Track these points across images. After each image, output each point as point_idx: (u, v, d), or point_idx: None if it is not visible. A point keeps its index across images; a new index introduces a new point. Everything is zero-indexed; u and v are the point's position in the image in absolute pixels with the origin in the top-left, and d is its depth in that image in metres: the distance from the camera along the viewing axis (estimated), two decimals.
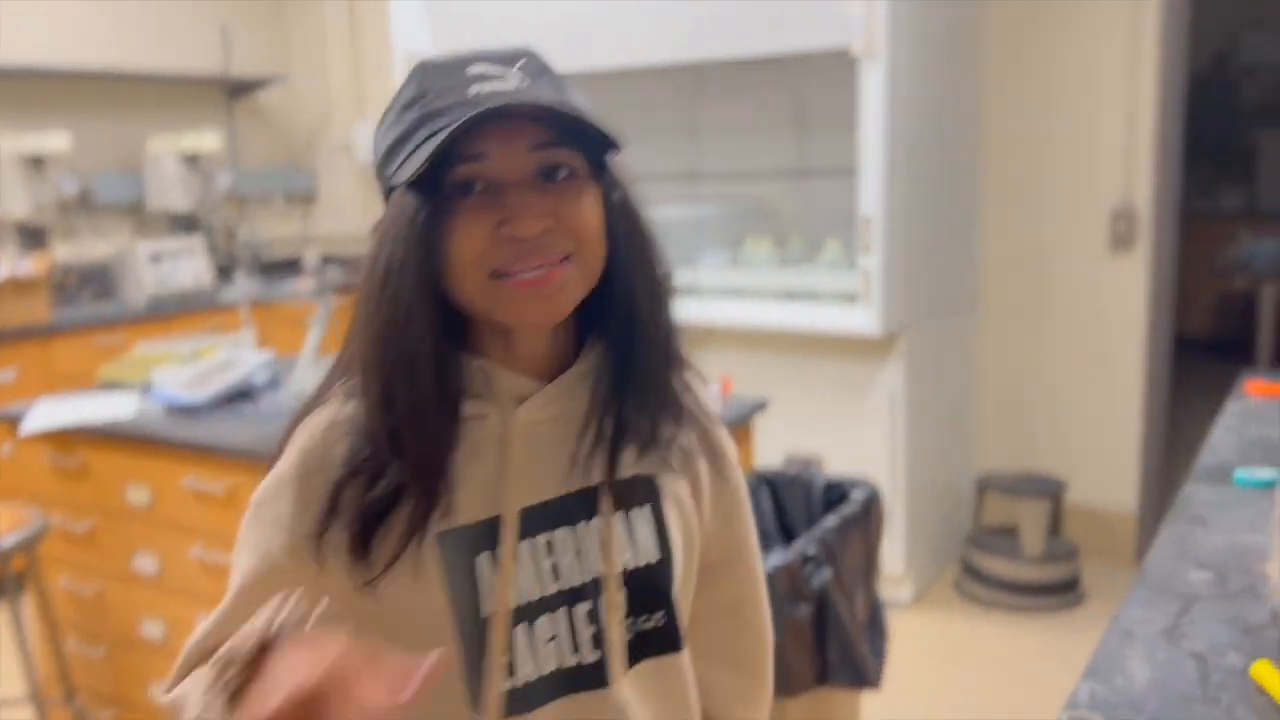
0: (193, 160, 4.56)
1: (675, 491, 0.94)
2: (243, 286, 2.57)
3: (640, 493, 0.91)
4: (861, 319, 3.09)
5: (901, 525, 3.29)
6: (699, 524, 0.97)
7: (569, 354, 0.91)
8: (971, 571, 3.45)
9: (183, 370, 2.56)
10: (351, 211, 5.44)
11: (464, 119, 0.77)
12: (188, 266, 4.30)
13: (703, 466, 0.97)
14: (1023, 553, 3.36)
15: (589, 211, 0.84)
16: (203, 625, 0.90)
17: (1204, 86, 5.89)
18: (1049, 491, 3.39)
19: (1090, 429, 3.61)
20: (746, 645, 1.05)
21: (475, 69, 0.82)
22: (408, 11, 3.84)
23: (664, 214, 4.30)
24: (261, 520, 0.90)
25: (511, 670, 0.86)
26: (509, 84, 0.82)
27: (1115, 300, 3.52)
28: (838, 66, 3.13)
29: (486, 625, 0.86)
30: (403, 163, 0.82)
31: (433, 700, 0.76)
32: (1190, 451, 4.34)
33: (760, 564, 1.06)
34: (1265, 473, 1.61)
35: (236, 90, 5.07)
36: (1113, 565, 3.60)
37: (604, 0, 3.43)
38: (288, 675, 0.68)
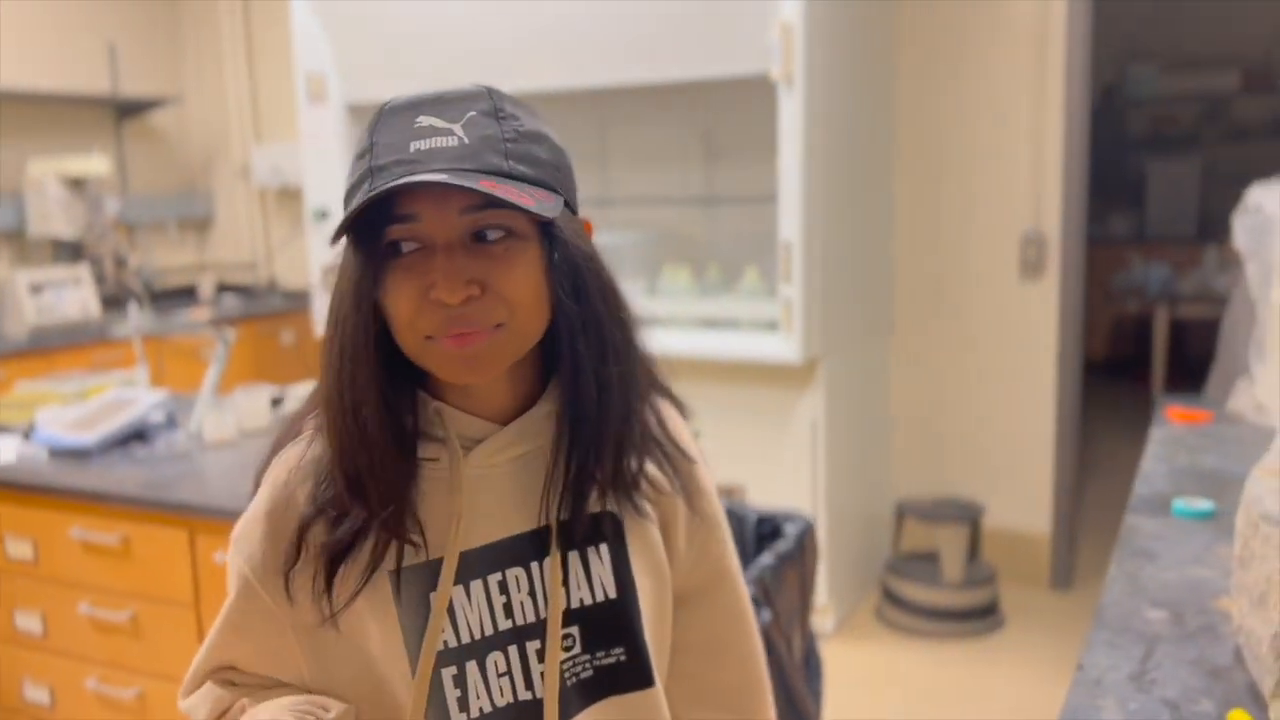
0: (78, 184, 4.33)
1: (642, 527, 0.95)
2: (135, 319, 2.41)
3: (602, 530, 0.93)
4: (782, 347, 3.06)
5: (823, 554, 3.26)
6: (671, 559, 0.97)
7: (533, 394, 0.92)
8: (892, 599, 3.44)
9: (69, 410, 2.39)
10: (250, 238, 5.24)
11: (373, 193, 0.78)
12: (73, 297, 4.07)
13: (676, 501, 0.97)
14: (943, 578, 3.36)
15: (522, 276, 0.83)
16: (200, 652, 0.95)
17: (1094, 117, 6.10)
18: (968, 516, 3.40)
19: (1004, 452, 3.65)
20: (729, 682, 1.02)
21: (423, 121, 0.82)
22: (308, 32, 3.71)
23: None
24: (240, 554, 0.92)
25: (465, 705, 0.88)
26: (450, 141, 0.81)
27: (1026, 325, 3.57)
28: (749, 93, 3.11)
29: (439, 662, 0.88)
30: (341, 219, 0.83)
31: None
32: (1096, 471, 4.44)
33: (744, 597, 1.04)
34: (1203, 504, 1.61)
35: (125, 111, 4.85)
36: (1029, 587, 3.64)
37: (513, 24, 3.35)
38: None
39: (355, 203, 0.79)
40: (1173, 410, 2.22)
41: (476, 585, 0.89)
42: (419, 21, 3.49)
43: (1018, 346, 3.59)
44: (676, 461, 0.97)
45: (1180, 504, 1.62)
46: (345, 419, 0.84)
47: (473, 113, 0.83)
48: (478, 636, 0.89)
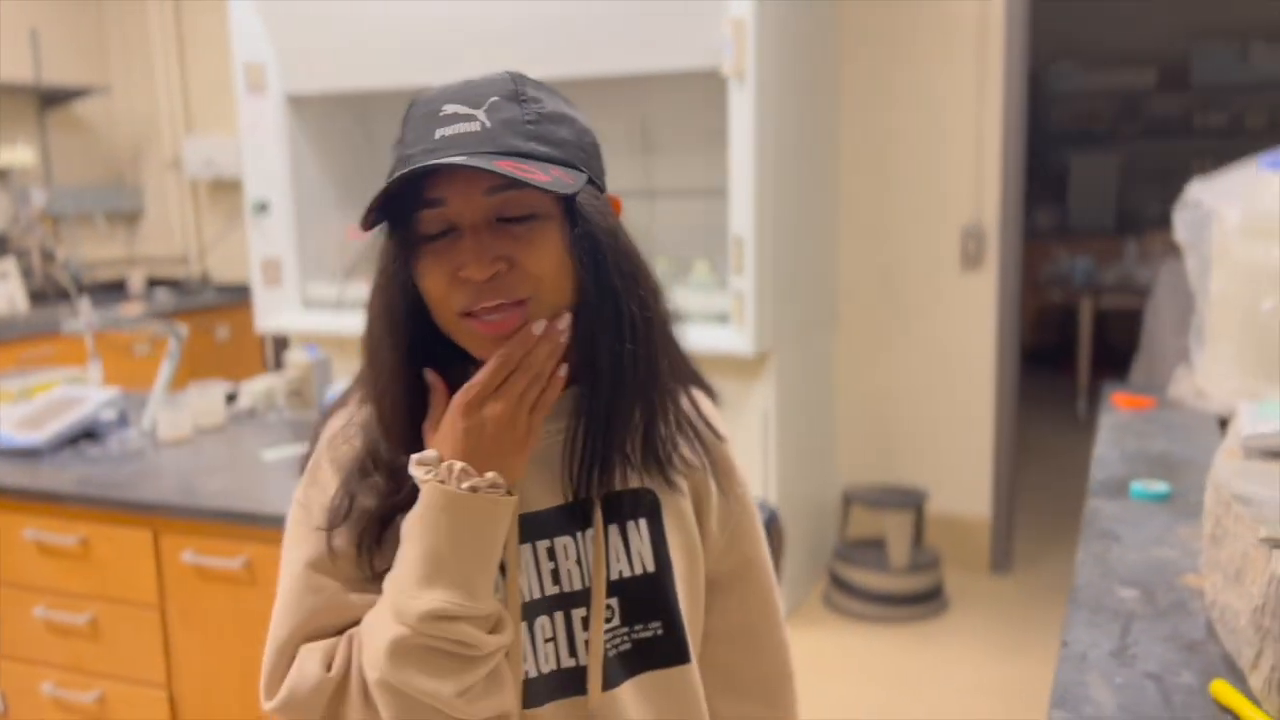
0: (2, 175, 4.18)
1: (677, 505, 0.98)
2: (87, 315, 2.35)
3: (640, 505, 0.95)
4: (735, 339, 3.10)
5: None
6: (704, 539, 1.00)
7: (571, 366, 0.93)
8: (840, 584, 3.51)
9: (14, 408, 2.32)
10: (182, 231, 5.12)
11: (396, 177, 0.82)
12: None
13: (707, 481, 1.00)
14: (889, 564, 3.44)
15: (546, 252, 0.86)
16: (274, 630, 0.92)
17: None
18: (912, 503, 3.48)
19: (946, 440, 3.74)
20: (762, 670, 1.05)
21: (448, 109, 0.86)
22: (246, 21, 3.64)
23: None
24: (308, 511, 0.93)
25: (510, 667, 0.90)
26: (473, 126, 0.84)
27: (966, 316, 3.66)
28: (686, 86, 3.13)
29: None
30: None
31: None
32: (1027, 457, 4.57)
33: (774, 585, 1.07)
34: (1159, 486, 1.68)
35: (49, 100, 4.70)
36: (971, 571, 3.74)
37: (456, 14, 3.33)
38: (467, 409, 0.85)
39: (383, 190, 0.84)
40: (1119, 397, 2.31)
41: (526, 549, 0.92)
42: (359, 11, 3.45)
43: (958, 337, 3.68)
44: (707, 441, 1.00)
45: (1138, 486, 1.68)
46: (376, 389, 0.91)
47: (495, 98, 0.86)
48: (528, 599, 0.91)
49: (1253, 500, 1.13)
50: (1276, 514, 1.09)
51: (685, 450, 0.97)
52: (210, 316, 4.63)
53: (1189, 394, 2.25)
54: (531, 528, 0.92)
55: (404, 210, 0.85)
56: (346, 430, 0.93)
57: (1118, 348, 6.05)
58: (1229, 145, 6.36)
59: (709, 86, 3.08)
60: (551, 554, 0.92)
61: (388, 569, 0.88)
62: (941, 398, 3.73)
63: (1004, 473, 3.74)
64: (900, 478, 3.77)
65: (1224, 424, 2.04)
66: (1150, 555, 1.44)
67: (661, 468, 0.96)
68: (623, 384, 0.90)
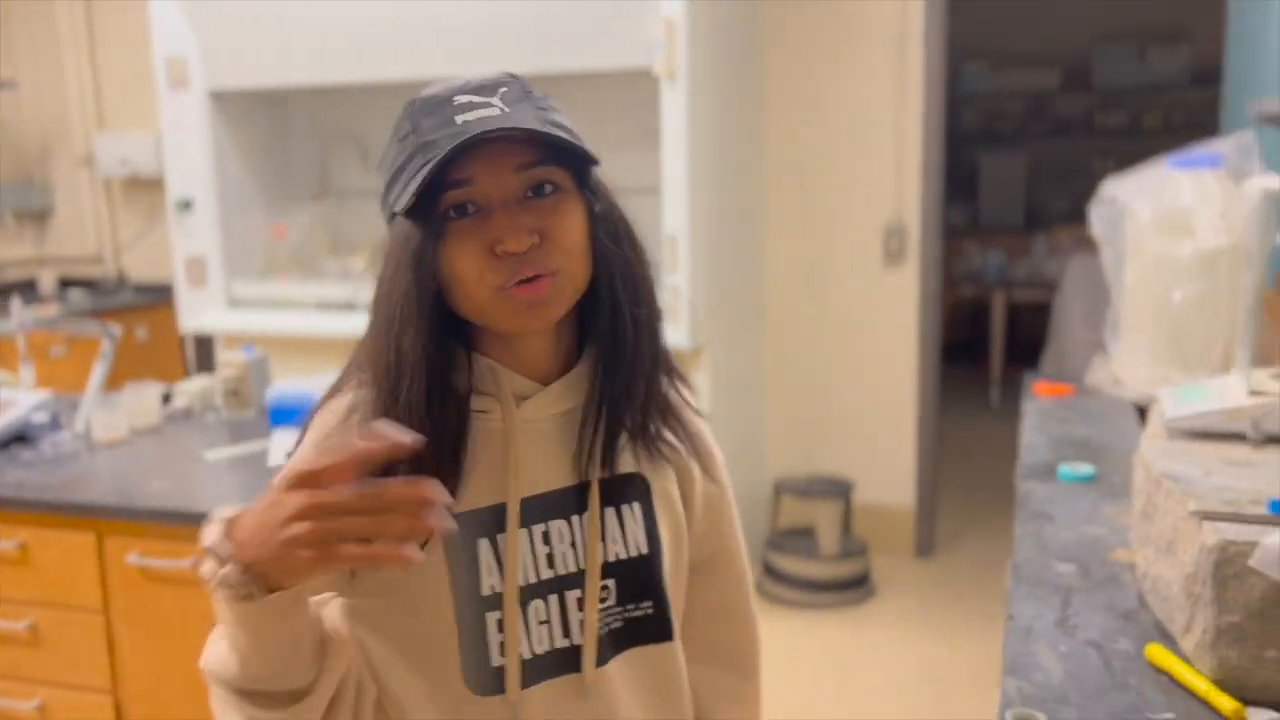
0: None
1: (666, 490, 1.02)
2: (18, 315, 2.30)
3: (633, 490, 0.99)
4: (670, 334, 3.13)
5: None
6: (688, 522, 1.04)
7: (569, 357, 0.98)
8: (772, 573, 3.59)
9: None
10: (96, 230, 4.98)
11: (450, 148, 0.84)
12: None
13: (693, 467, 1.04)
14: (819, 552, 3.53)
15: (573, 225, 0.90)
16: None
17: None
18: (840, 492, 3.58)
19: (871, 431, 3.85)
20: (736, 643, 1.12)
21: (460, 99, 0.88)
22: (168, 15, 3.57)
23: None
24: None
25: (506, 650, 0.93)
26: (492, 110, 0.87)
27: (889, 311, 3.77)
28: (627, 86, 3.17)
29: (485, 605, 0.92)
30: (400, 193, 0.88)
31: (428, 677, 0.92)
32: (947, 445, 4.71)
33: (746, 564, 1.12)
34: (1085, 468, 1.77)
35: None
36: (896, 557, 3.86)
37: (385, 10, 3.32)
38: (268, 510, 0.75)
39: (419, 175, 0.84)
40: (1040, 386, 2.41)
41: (521, 534, 0.94)
42: (284, 7, 3.41)
43: (881, 331, 3.79)
44: (689, 425, 1.04)
45: (1066, 469, 1.78)
46: (391, 378, 0.89)
47: (504, 89, 0.90)
48: (522, 584, 0.93)
49: (1180, 478, 1.22)
50: (1203, 489, 1.18)
51: (668, 434, 1.01)
52: (128, 317, 4.51)
53: (1106, 382, 2.37)
54: (530, 512, 0.94)
55: (422, 195, 0.86)
56: (346, 422, 0.93)
57: (1028, 340, 6.28)
58: (1128, 144, 6.68)
59: (641, 86, 3.13)
60: (547, 538, 0.95)
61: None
62: (866, 390, 3.84)
63: (926, 462, 3.86)
64: (828, 468, 3.87)
65: (1140, 410, 2.15)
66: (1082, 533, 1.53)
67: (649, 449, 0.99)
68: (638, 356, 0.94)
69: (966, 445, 5.22)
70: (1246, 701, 1.01)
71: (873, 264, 3.76)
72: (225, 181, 3.73)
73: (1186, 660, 1.10)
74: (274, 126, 3.97)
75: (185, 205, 3.67)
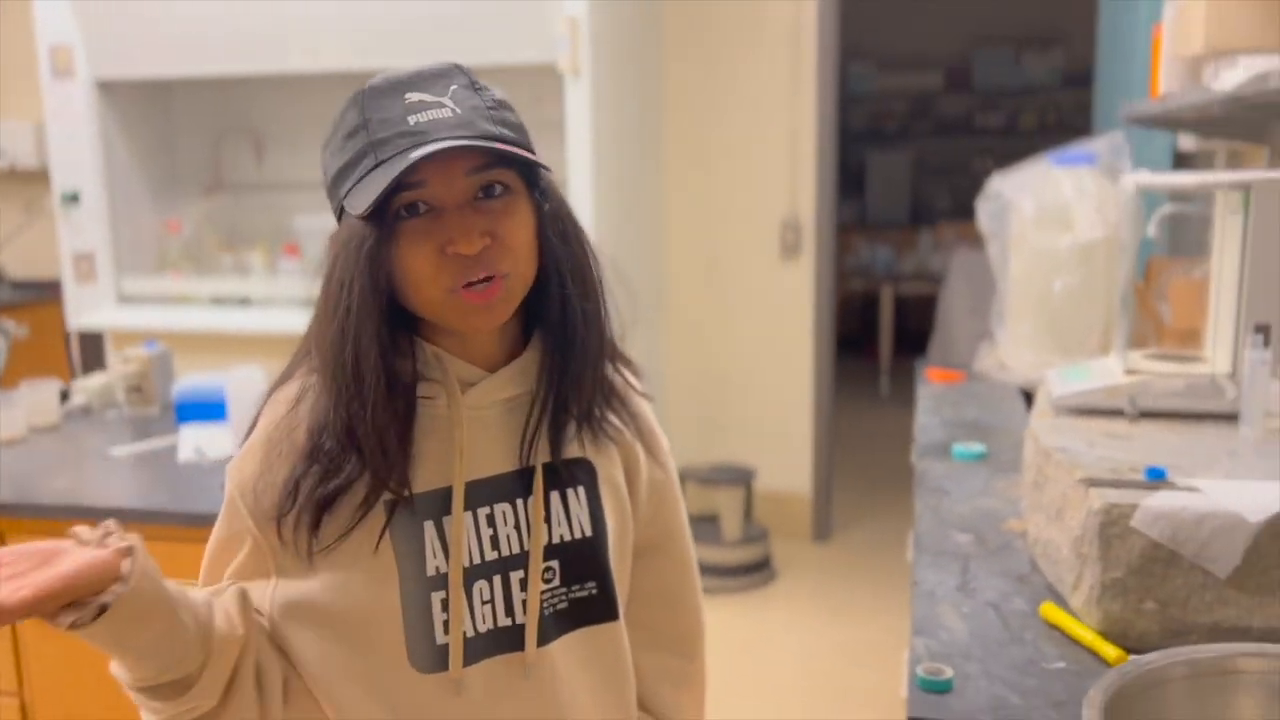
0: None
1: (611, 474, 1.05)
2: None
3: (578, 474, 1.02)
4: None
5: None
6: (633, 506, 1.06)
7: (516, 346, 1.01)
8: None
9: None
10: None
11: (409, 162, 0.85)
12: None
13: (638, 451, 1.07)
14: (722, 538, 3.63)
15: (522, 226, 0.93)
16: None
17: None
18: (742, 480, 3.68)
19: (770, 419, 3.97)
20: (680, 627, 1.14)
21: (412, 96, 0.90)
22: (52, 2, 3.45)
23: (320, 224, 4.08)
24: (231, 481, 0.98)
25: (449, 628, 0.95)
26: (445, 113, 0.90)
27: (786, 303, 3.89)
28: (531, 81, 3.21)
29: (430, 585, 0.95)
30: (351, 189, 0.90)
31: (371, 657, 0.95)
32: (840, 433, 4.87)
33: (691, 549, 1.16)
34: (976, 447, 1.88)
35: None
36: (795, 541, 3.98)
37: (280, 1, 3.28)
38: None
39: (378, 174, 0.87)
40: (932, 372, 2.54)
41: (466, 516, 0.97)
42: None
43: (779, 323, 3.90)
44: (633, 407, 1.07)
45: (959, 448, 1.89)
46: (346, 373, 0.90)
47: (454, 86, 0.92)
48: (466, 565, 0.96)
49: (1068, 450, 1.32)
50: (1088, 460, 1.28)
51: (613, 418, 1.05)
52: (6, 315, 4.34)
53: (993, 367, 2.51)
54: (476, 495, 0.97)
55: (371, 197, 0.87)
56: (295, 411, 0.95)
57: (915, 331, 6.51)
58: (1005, 143, 6.99)
59: (546, 81, 3.16)
60: (491, 520, 0.97)
61: (322, 550, 0.93)
62: (765, 380, 3.95)
63: (823, 449, 3.99)
64: (730, 456, 3.97)
65: (1026, 393, 2.28)
66: (976, 505, 1.63)
67: (595, 434, 1.03)
68: (586, 349, 0.98)
69: (859, 433, 5.40)
70: (1129, 649, 1.11)
71: (770, 258, 3.87)
72: (114, 174, 3.63)
73: (1075, 615, 1.20)
74: (163, 118, 3.87)
75: (72, 198, 3.56)
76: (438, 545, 0.95)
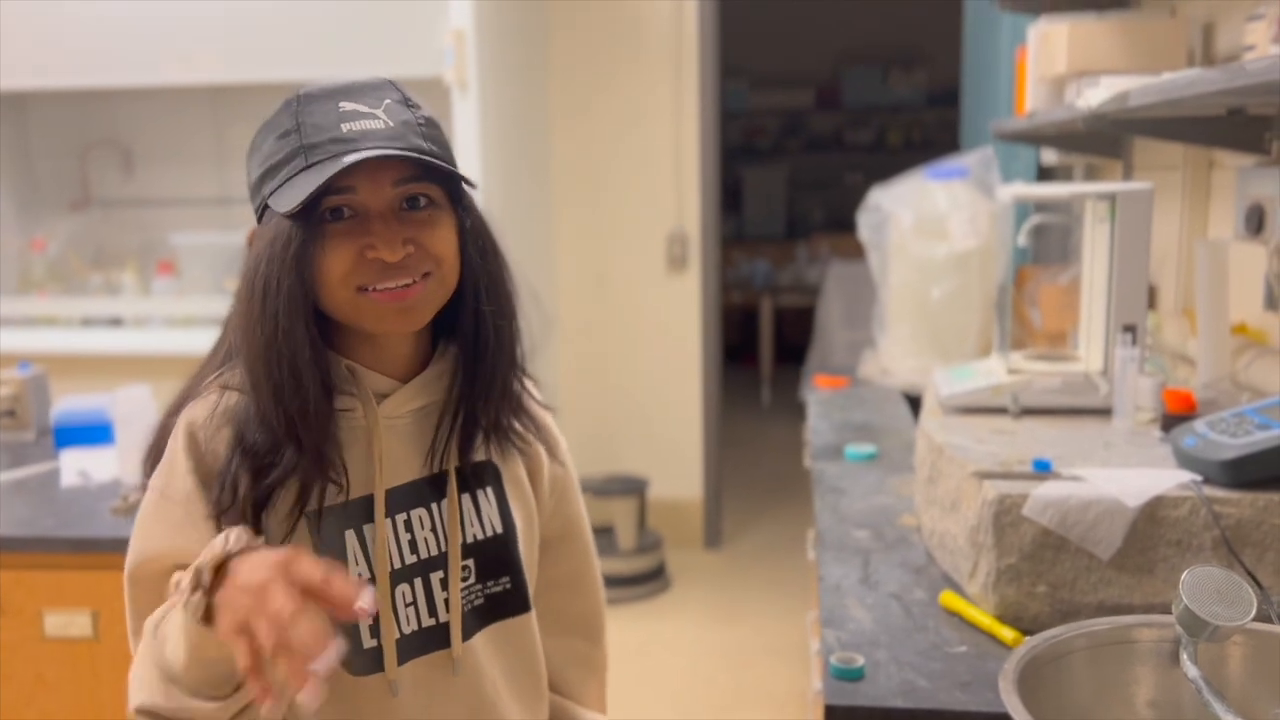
0: None
1: (516, 474, 1.10)
2: None
3: (486, 476, 1.07)
4: None
5: None
6: (537, 502, 1.12)
7: (426, 357, 1.04)
8: None
9: None
10: None
11: (343, 165, 0.88)
12: None
13: (540, 453, 1.11)
14: (617, 548, 3.65)
15: (444, 237, 0.96)
16: (132, 621, 0.95)
17: None
18: (635, 490, 3.72)
19: (661, 430, 4.02)
20: (583, 612, 1.21)
21: (346, 105, 0.94)
22: None
23: (197, 241, 3.96)
24: (154, 489, 0.96)
25: (376, 632, 0.98)
26: (377, 124, 0.93)
27: (674, 315, 3.95)
28: (419, 95, 3.20)
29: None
30: (278, 188, 0.93)
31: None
32: (725, 442, 4.97)
33: (591, 538, 1.22)
34: (867, 448, 1.97)
35: None
36: (688, 549, 4.04)
37: (149, 11, 3.19)
38: (250, 572, 0.78)
39: (308, 176, 0.89)
40: (820, 378, 2.63)
41: (386, 523, 1.00)
42: (60, 7, 3.21)
43: (668, 335, 3.97)
44: (538, 418, 1.12)
45: (851, 450, 1.96)
46: (280, 371, 0.91)
47: (388, 100, 0.95)
48: (393, 569, 0.99)
49: (959, 446, 1.40)
50: (978, 454, 1.36)
51: (519, 426, 1.09)
52: None
53: (876, 373, 2.61)
54: (393, 501, 1.00)
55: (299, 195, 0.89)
56: (211, 422, 0.96)
57: (794, 342, 6.68)
58: (873, 159, 7.26)
59: (433, 94, 3.15)
60: (409, 525, 1.01)
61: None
62: (655, 391, 4.00)
63: (711, 458, 4.06)
64: (622, 467, 4.00)
65: (909, 397, 2.39)
66: (872, 503, 1.71)
67: (502, 442, 1.07)
68: (496, 363, 1.02)
69: (743, 441, 5.51)
70: (1024, 631, 1.19)
71: (658, 271, 3.93)
72: None
73: (973, 601, 1.27)
74: (22, 131, 3.71)
75: None
76: (359, 552, 0.98)
